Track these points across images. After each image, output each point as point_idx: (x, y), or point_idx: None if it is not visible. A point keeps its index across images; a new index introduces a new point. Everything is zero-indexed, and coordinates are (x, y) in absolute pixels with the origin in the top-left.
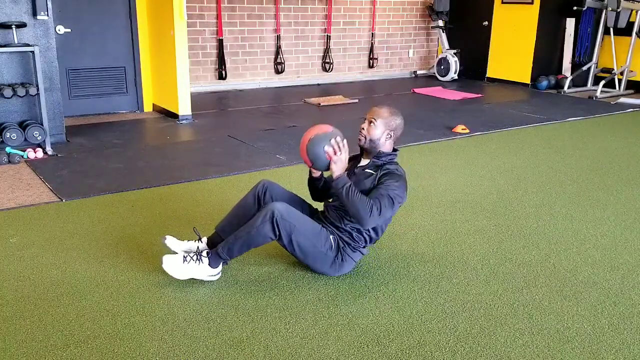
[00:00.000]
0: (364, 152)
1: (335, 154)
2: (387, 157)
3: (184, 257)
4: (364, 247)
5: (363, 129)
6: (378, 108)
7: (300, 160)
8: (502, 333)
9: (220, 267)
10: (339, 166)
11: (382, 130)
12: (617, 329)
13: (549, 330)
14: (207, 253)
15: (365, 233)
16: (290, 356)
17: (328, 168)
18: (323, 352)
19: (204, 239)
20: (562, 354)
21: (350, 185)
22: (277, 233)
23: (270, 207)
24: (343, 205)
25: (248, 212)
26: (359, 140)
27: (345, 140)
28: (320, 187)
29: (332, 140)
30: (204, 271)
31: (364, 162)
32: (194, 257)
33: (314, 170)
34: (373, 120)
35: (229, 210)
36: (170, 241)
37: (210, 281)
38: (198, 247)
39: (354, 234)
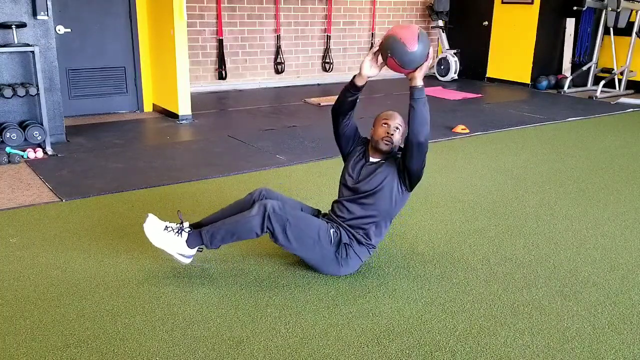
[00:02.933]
0: (371, 150)
1: (428, 60)
2: (397, 148)
3: (166, 226)
4: (372, 246)
5: (392, 135)
6: (396, 115)
7: (300, 160)
8: (502, 333)
9: (195, 251)
10: (424, 72)
11: (402, 134)
12: (617, 329)
13: (549, 330)
14: (189, 230)
15: (378, 228)
16: (290, 356)
17: (411, 67)
18: (323, 352)
19: (186, 224)
20: (562, 354)
21: (425, 98)
22: (265, 230)
23: (264, 202)
24: (416, 114)
25: (240, 212)
26: (385, 145)
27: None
28: (352, 98)
29: (431, 49)
30: (178, 246)
31: (374, 159)
32: (175, 229)
33: (362, 77)
34: (399, 126)
35: (220, 209)
36: (152, 219)
37: (203, 275)
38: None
39: (370, 230)
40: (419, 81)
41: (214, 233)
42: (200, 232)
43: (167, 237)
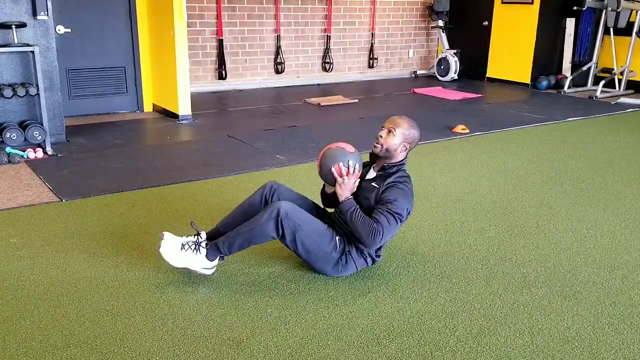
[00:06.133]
0: (374, 160)
1: (341, 176)
2: (394, 168)
3: (182, 244)
4: (370, 256)
5: (381, 137)
6: (399, 118)
7: (300, 160)
8: (502, 333)
9: (217, 261)
10: (343, 189)
11: (400, 140)
12: (617, 329)
13: (549, 330)
14: (206, 244)
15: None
16: (290, 356)
17: (330, 183)
18: (323, 352)
19: (203, 234)
20: (562, 354)
21: (354, 210)
22: (280, 232)
23: (275, 205)
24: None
25: (253, 212)
26: (374, 147)
27: (358, 167)
28: (331, 199)
29: (342, 163)
30: (200, 262)
31: (371, 174)
32: (192, 246)
33: (329, 188)
34: (392, 130)
35: (233, 209)
36: (168, 237)
37: (204, 275)
38: (197, 239)
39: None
40: (340, 197)
41: (231, 243)
42: (217, 245)
43: (186, 257)
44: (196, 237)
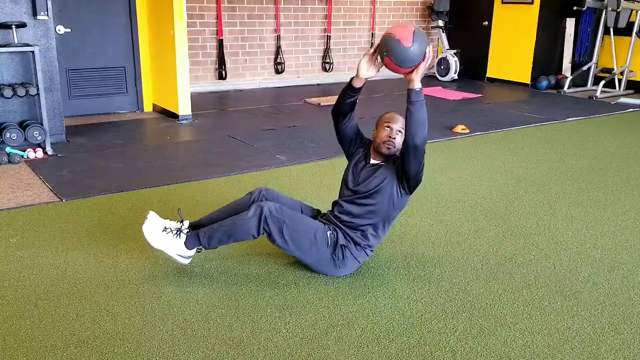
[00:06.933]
0: (373, 152)
1: (425, 60)
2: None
3: (164, 227)
4: (370, 248)
5: (394, 139)
6: (399, 116)
7: (300, 160)
8: (502, 333)
9: (193, 252)
10: (421, 73)
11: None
12: (617, 329)
13: (549, 330)
14: (188, 231)
15: (375, 230)
16: (290, 356)
17: (408, 65)
18: (323, 352)
19: (186, 222)
20: (562, 354)
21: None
22: (263, 231)
23: (261, 203)
24: (412, 117)
25: (239, 212)
26: (389, 149)
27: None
28: (350, 99)
29: (430, 48)
30: (177, 247)
31: (375, 161)
32: (174, 231)
33: (360, 78)
34: (402, 130)
35: (220, 207)
36: (152, 216)
37: (203, 275)
38: (181, 226)
39: (367, 231)
40: (416, 83)
41: (212, 235)
42: (198, 234)
43: (165, 239)
44: (180, 223)
